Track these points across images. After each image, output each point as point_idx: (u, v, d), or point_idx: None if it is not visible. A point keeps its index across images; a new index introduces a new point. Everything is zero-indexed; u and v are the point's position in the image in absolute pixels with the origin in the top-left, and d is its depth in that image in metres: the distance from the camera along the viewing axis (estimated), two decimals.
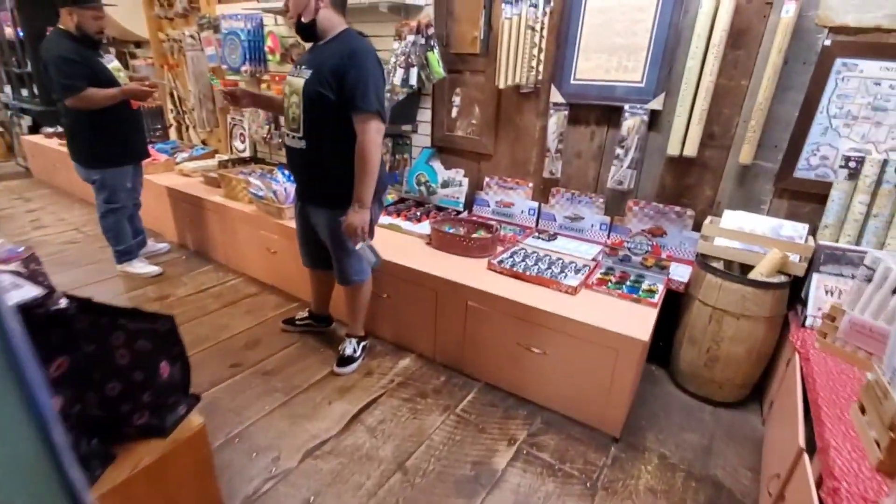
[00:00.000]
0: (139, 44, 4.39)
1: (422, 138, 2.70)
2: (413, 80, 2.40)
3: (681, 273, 1.98)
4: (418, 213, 2.56)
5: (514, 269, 1.94)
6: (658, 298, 1.78)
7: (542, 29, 2.07)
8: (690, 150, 1.88)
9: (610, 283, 1.88)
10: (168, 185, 3.20)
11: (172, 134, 4.33)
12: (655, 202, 2.11)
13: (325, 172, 1.67)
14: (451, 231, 2.24)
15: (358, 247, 1.73)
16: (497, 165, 2.54)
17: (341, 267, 1.89)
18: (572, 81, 2.14)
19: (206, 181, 3.18)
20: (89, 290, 2.66)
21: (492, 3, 2.25)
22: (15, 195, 4.36)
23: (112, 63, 2.46)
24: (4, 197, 4.31)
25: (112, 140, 2.47)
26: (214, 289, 2.74)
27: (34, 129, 5.03)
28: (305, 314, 2.33)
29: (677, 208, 2.07)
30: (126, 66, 4.44)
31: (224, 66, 3.28)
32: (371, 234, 1.90)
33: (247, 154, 3.61)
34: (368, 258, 1.76)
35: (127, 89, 2.39)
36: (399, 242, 2.28)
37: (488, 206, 2.56)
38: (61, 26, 2.29)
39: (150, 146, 3.85)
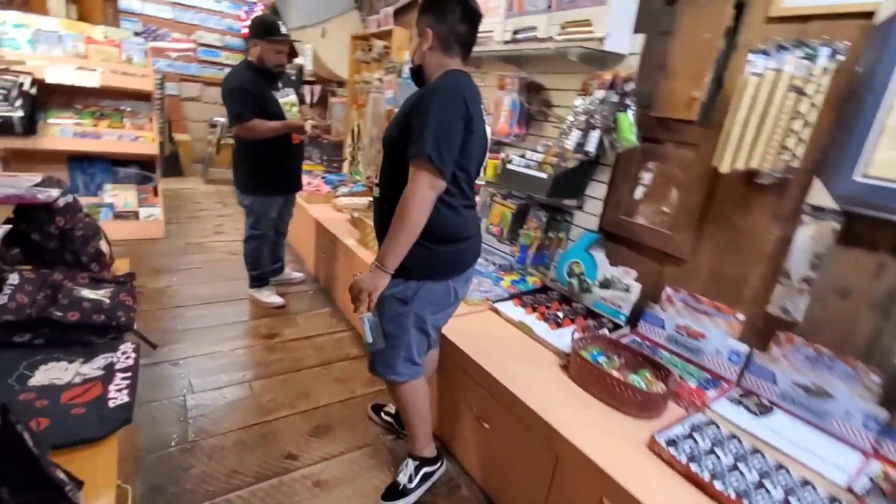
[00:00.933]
0: (342, 84, 4.79)
1: (587, 218, 2.09)
2: (591, 146, 1.84)
3: None
4: (560, 314, 1.93)
5: (695, 468, 1.17)
6: None
7: (815, 92, 1.31)
8: None
9: None
10: (318, 217, 3.19)
11: (346, 167, 4.54)
12: None
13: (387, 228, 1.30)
14: (600, 361, 1.55)
15: (361, 317, 1.34)
16: (690, 275, 1.78)
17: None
18: (857, 178, 1.30)
19: (350, 221, 3.08)
20: (217, 308, 2.70)
21: (729, 53, 1.57)
22: (218, 199, 5.05)
23: (287, 97, 2.49)
24: (211, 199, 5.03)
25: (265, 170, 2.48)
26: (321, 339, 2.51)
27: None
28: (393, 410, 1.88)
29: None
30: (325, 102, 4.87)
31: (396, 110, 3.20)
32: (438, 320, 1.46)
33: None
34: (365, 335, 1.35)
35: (288, 123, 2.38)
36: (524, 353, 1.69)
37: (663, 327, 1.80)
38: (249, 58, 2.39)
39: (319, 177, 4.06)
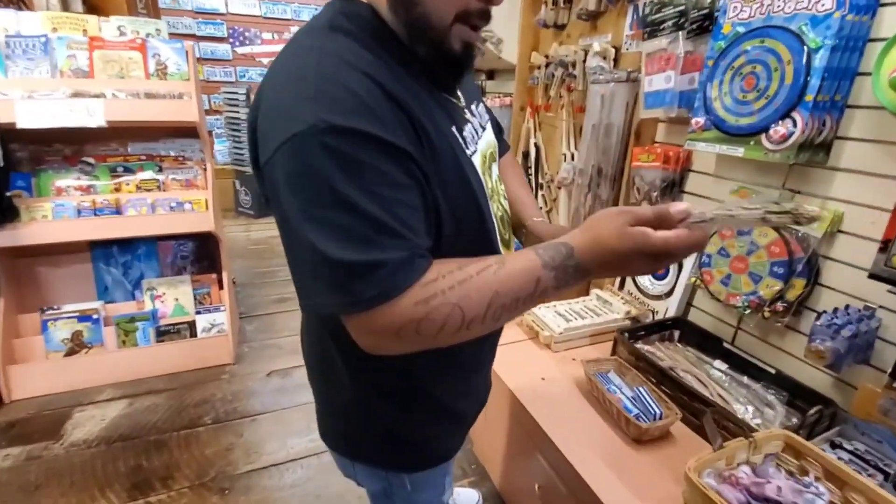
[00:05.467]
0: (492, 74, 2.98)
1: None
2: None
3: None
4: None
5: None
6: None
7: None
8: None
9: None
10: (514, 383, 1.42)
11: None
12: None
13: None
14: None
15: None
16: None
17: None
18: None
19: (595, 396, 1.27)
20: None
21: None
22: None
23: (484, 137, 0.71)
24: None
25: (431, 413, 0.75)
26: None
27: None
28: None
29: None
30: None
31: (700, 120, 1.28)
32: None
33: (669, 310, 1.56)
34: None
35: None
36: None
37: None
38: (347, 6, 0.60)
39: None
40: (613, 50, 1.76)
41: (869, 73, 1.03)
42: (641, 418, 1.18)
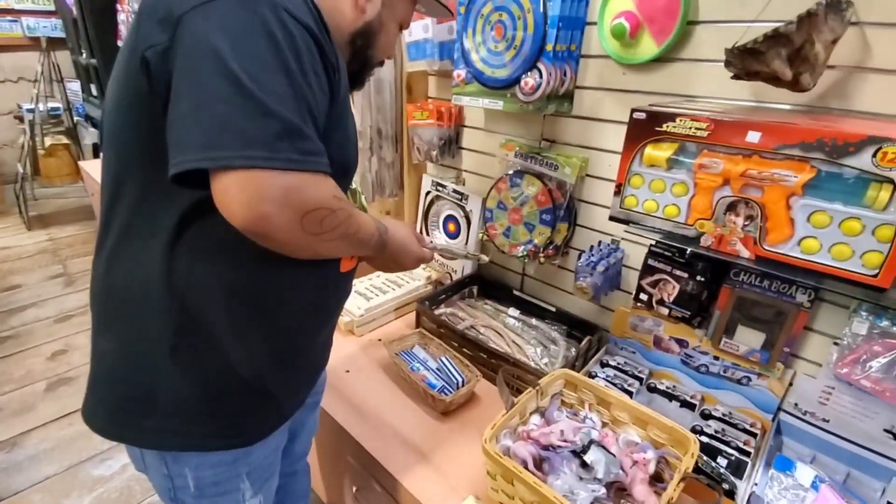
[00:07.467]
0: None
1: None
2: None
3: None
4: None
5: None
6: None
7: None
8: None
9: None
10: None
11: None
12: None
13: None
14: None
15: None
16: None
17: None
18: None
19: (398, 375, 1.20)
20: None
21: None
22: (57, 264, 2.70)
23: None
24: (41, 268, 2.64)
25: (270, 371, 0.69)
26: None
27: (98, 152, 3.43)
28: None
29: None
30: None
31: (461, 72, 1.22)
32: None
33: (466, 268, 1.58)
34: None
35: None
36: None
37: None
38: None
39: None
40: None
41: (595, 23, 1.09)
42: (446, 390, 1.15)
